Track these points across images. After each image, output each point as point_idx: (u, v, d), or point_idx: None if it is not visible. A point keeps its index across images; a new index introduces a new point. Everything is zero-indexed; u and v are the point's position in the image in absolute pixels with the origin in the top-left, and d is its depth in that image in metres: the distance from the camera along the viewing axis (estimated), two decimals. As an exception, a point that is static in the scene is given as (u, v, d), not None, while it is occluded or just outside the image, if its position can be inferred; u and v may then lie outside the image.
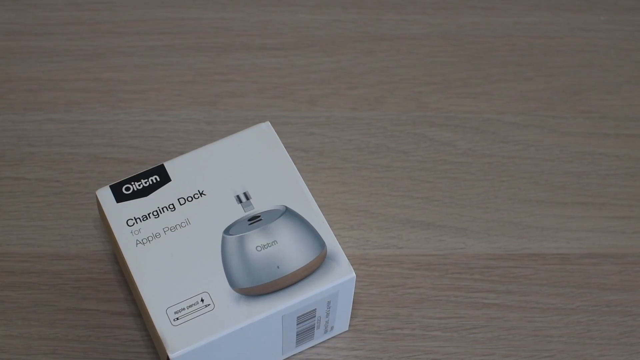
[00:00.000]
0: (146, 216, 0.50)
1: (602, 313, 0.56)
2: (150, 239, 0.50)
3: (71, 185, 0.59)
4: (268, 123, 0.52)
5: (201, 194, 0.51)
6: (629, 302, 0.56)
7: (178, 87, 0.63)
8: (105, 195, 0.51)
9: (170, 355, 0.47)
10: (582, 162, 0.61)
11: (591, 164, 0.61)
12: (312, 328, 0.51)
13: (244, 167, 0.51)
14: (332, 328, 0.53)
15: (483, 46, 0.65)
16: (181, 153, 0.60)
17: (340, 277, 0.49)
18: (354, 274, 0.49)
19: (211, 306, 0.48)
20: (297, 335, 0.51)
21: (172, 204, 0.51)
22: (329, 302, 0.50)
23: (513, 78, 0.64)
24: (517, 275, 0.57)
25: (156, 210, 0.50)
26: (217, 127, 0.61)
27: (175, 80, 0.63)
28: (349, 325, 0.54)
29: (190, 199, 0.51)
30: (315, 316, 0.50)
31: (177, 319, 0.48)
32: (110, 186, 0.51)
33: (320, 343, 0.54)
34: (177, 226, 0.50)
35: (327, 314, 0.51)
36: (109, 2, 0.66)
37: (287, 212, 0.50)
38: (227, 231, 0.49)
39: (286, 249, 0.49)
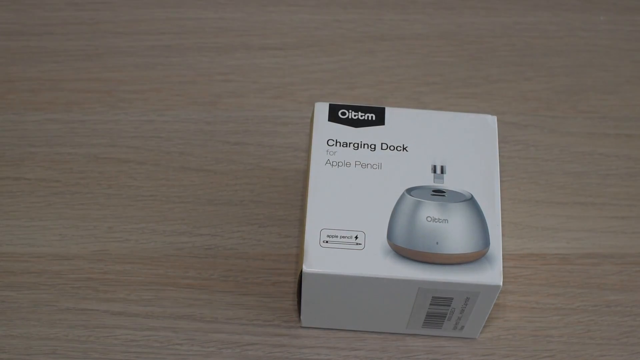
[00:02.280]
0: (347, 144, 0.52)
1: (602, 313, 0.56)
2: (340, 164, 0.51)
3: (71, 185, 0.59)
4: (494, 118, 0.53)
5: (404, 148, 0.52)
6: (629, 302, 0.56)
7: (178, 87, 0.63)
8: (321, 109, 0.53)
9: (305, 269, 0.49)
10: (582, 162, 0.61)
11: (591, 164, 0.61)
12: (443, 316, 0.52)
13: (454, 144, 0.52)
14: (462, 328, 0.53)
15: (483, 46, 0.65)
16: (181, 153, 0.60)
17: (487, 280, 0.49)
18: (500, 284, 0.49)
19: (361, 246, 0.49)
20: (427, 315, 0.52)
21: (374, 145, 0.52)
22: (467, 299, 0.50)
23: (513, 78, 0.64)
24: (517, 275, 0.57)
25: (358, 144, 0.52)
26: (217, 127, 0.61)
27: (175, 80, 0.63)
28: (479, 335, 0.55)
29: (392, 148, 0.52)
30: (450, 305, 0.51)
31: (327, 242, 0.49)
32: (330, 104, 0.53)
33: (320, 343, 0.54)
34: (369, 165, 0.51)
35: (462, 310, 0.51)
36: (109, 2, 0.66)
37: (471, 201, 0.50)
38: (409, 191, 0.50)
39: (453, 231, 0.49)
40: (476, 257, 0.49)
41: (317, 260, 0.49)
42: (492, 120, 0.53)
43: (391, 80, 0.63)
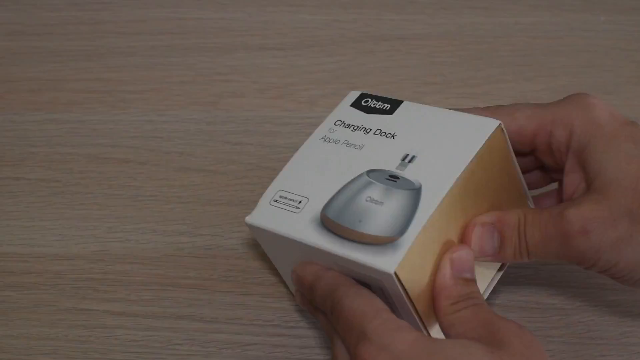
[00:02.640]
0: (348, 125, 0.53)
1: (602, 313, 0.56)
2: (331, 140, 0.52)
3: (71, 185, 0.59)
4: (498, 122, 0.51)
5: (393, 136, 0.52)
6: (629, 302, 0.56)
7: (178, 87, 0.63)
8: (352, 96, 0.54)
9: (246, 219, 0.50)
10: (582, 162, 0.61)
11: (591, 164, 0.61)
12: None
13: (440, 139, 0.52)
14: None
15: (483, 46, 0.65)
16: (182, 153, 0.60)
17: (379, 264, 0.47)
18: (392, 272, 0.47)
19: (298, 210, 0.50)
20: None
21: (370, 130, 0.52)
22: (381, 289, 0.49)
23: (513, 78, 0.64)
24: (517, 275, 0.57)
25: (357, 126, 0.52)
26: (217, 127, 0.61)
27: (175, 80, 0.63)
28: None
29: (383, 134, 0.52)
30: (378, 295, 0.50)
31: (276, 201, 0.50)
32: (362, 92, 0.54)
33: (320, 344, 0.54)
34: (353, 145, 0.52)
35: (394, 305, 0.50)
36: (109, 2, 0.66)
37: (415, 192, 0.50)
38: (369, 172, 0.51)
39: (381, 214, 0.49)
40: (384, 242, 0.48)
41: (260, 215, 0.50)
42: (492, 123, 0.52)
43: (391, 80, 0.63)
